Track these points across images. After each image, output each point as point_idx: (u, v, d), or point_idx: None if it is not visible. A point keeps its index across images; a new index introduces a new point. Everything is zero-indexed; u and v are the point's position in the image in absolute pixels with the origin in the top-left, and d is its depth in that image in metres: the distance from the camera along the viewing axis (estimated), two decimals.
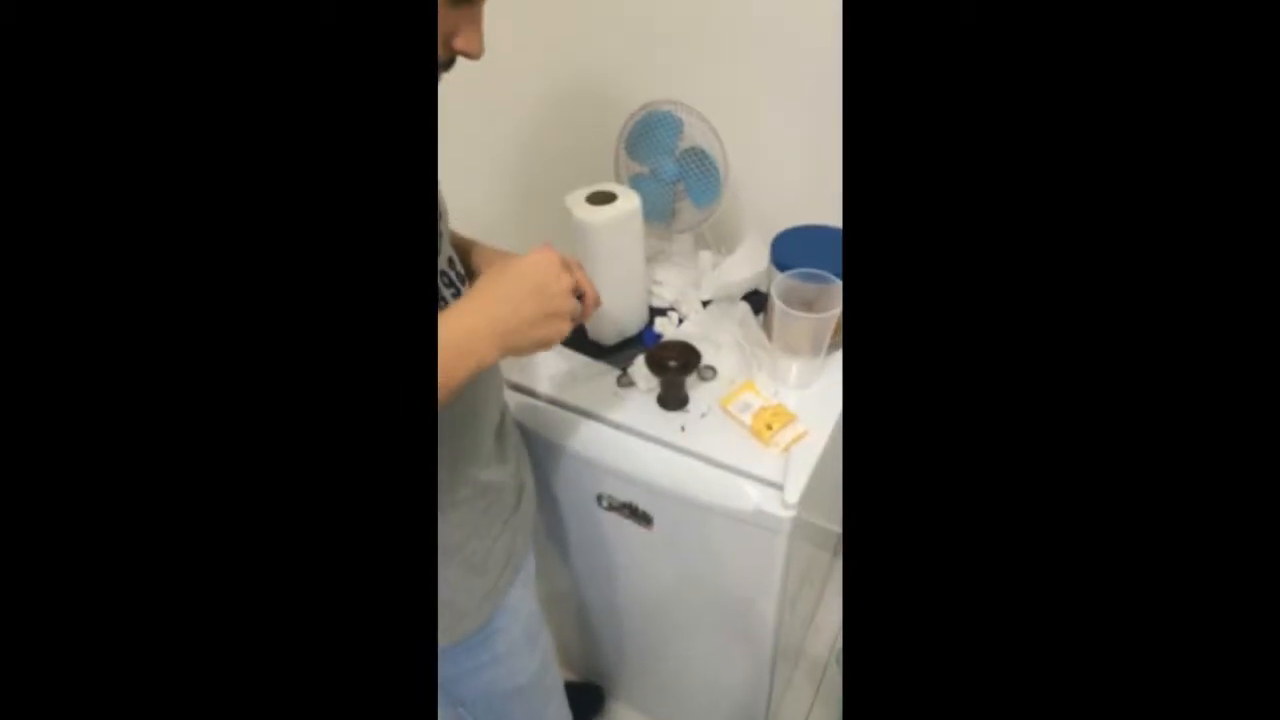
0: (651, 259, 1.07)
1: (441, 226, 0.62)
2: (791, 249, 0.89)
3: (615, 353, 0.92)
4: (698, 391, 0.85)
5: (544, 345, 0.55)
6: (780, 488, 0.75)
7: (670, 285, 1.02)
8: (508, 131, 1.13)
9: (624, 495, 0.86)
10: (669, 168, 0.94)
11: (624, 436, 0.83)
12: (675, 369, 0.81)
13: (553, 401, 0.87)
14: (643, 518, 0.87)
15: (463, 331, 0.49)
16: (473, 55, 0.49)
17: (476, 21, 0.48)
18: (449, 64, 0.49)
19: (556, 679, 0.87)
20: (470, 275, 0.70)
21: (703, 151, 0.92)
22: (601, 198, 0.84)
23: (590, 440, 0.84)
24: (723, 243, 1.09)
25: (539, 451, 0.88)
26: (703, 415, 0.83)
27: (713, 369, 0.88)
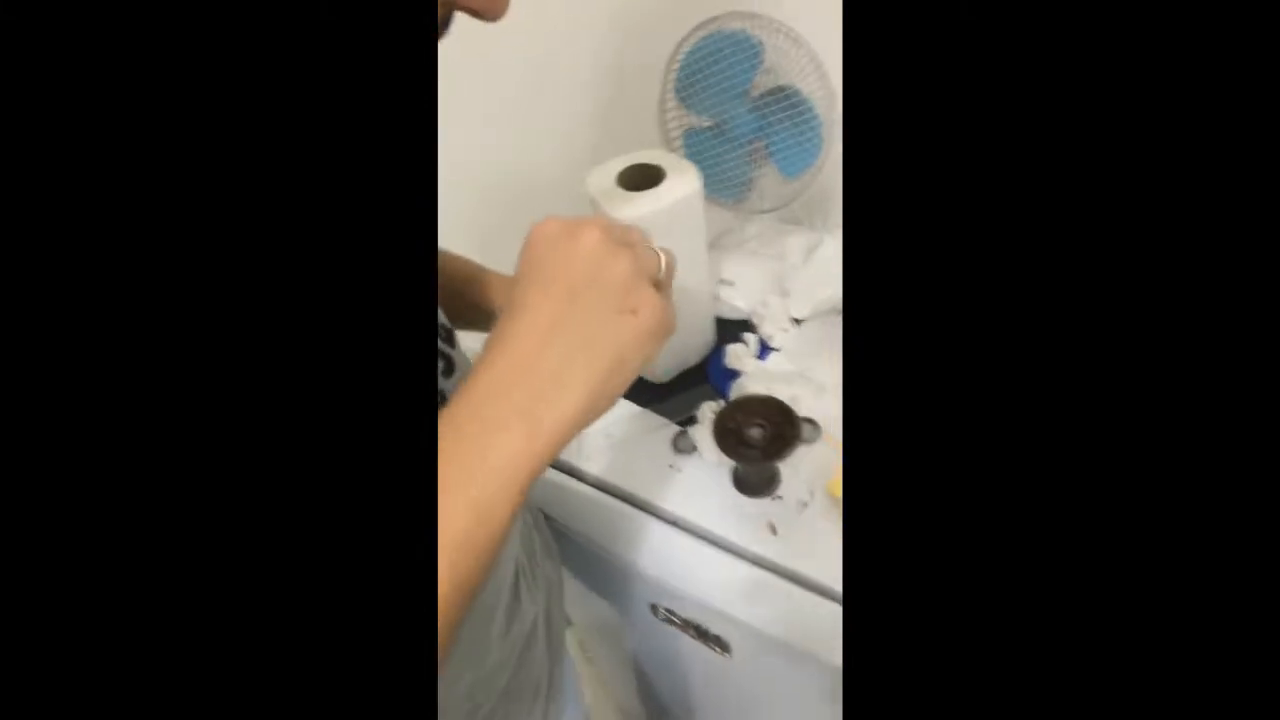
0: (714, 246, 0.77)
1: None
2: None
3: (671, 394, 0.65)
4: (792, 462, 0.57)
5: (647, 364, 0.39)
6: None
7: (745, 287, 0.72)
8: (497, 78, 0.83)
9: (689, 614, 0.61)
10: (743, 120, 0.63)
11: (683, 538, 0.56)
12: (759, 449, 0.52)
13: (579, 476, 0.61)
14: (716, 643, 0.61)
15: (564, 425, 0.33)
16: (488, 14, 0.32)
17: None
18: (445, 23, 0.33)
19: None
20: (479, 316, 0.55)
21: (795, 92, 0.61)
22: (641, 175, 0.57)
23: (636, 539, 0.58)
24: (818, 217, 0.78)
25: (568, 549, 0.63)
26: (803, 505, 0.55)
27: (814, 424, 0.59)
